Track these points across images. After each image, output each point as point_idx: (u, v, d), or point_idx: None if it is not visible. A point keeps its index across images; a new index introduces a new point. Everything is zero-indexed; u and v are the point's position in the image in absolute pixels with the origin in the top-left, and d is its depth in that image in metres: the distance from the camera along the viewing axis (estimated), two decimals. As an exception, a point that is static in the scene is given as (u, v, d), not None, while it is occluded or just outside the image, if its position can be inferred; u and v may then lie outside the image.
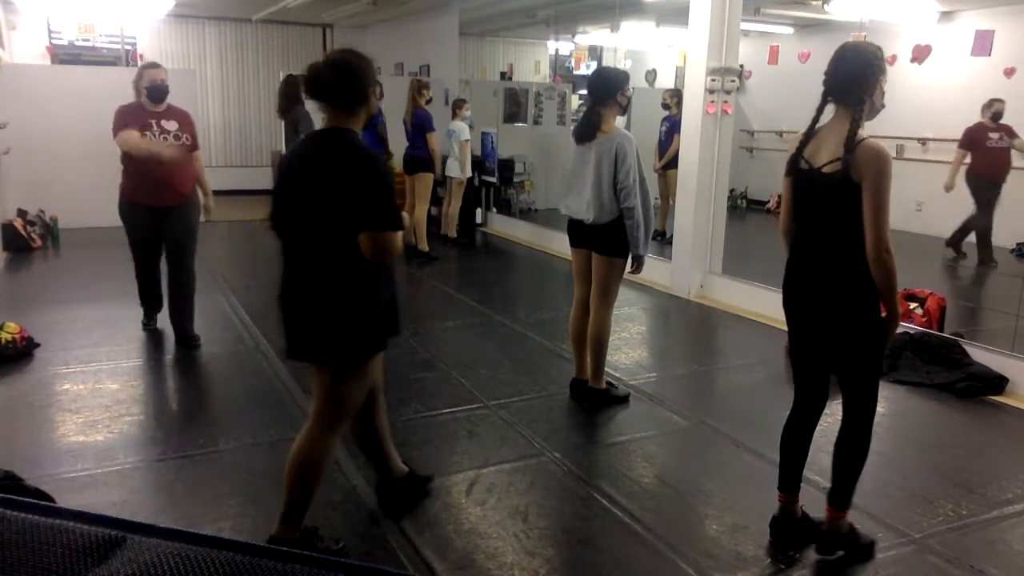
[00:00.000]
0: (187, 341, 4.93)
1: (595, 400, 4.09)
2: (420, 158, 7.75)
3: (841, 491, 2.72)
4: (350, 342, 2.46)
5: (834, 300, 2.57)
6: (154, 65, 4.86)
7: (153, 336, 5.16)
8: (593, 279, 3.97)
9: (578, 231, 3.98)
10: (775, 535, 2.83)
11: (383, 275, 2.47)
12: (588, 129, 3.88)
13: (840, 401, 2.72)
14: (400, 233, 2.38)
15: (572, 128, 9.72)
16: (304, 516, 2.60)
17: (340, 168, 2.34)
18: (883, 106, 2.58)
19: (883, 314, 2.57)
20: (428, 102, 7.76)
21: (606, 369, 4.17)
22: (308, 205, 2.39)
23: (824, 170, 2.50)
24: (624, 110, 3.95)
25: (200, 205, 4.97)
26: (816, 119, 2.61)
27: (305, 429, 2.59)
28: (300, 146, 2.56)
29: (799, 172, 2.61)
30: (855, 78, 2.50)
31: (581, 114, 10.30)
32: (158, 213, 4.73)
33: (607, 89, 3.85)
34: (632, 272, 3.97)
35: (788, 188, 2.69)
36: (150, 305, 5.23)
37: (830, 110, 2.60)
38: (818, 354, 2.73)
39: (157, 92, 4.73)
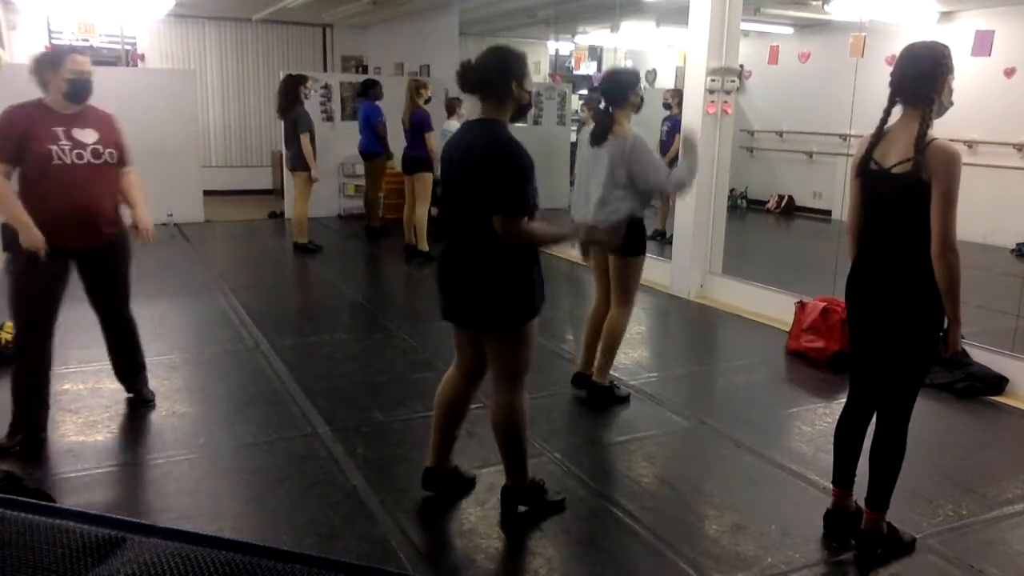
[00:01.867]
0: (141, 402, 3.93)
1: (596, 395, 4.11)
2: (419, 158, 7.74)
3: (878, 492, 2.72)
4: (506, 309, 2.71)
5: (897, 300, 2.58)
6: (78, 50, 3.60)
7: (153, 336, 5.16)
8: (611, 280, 4.02)
9: None
10: (828, 528, 2.87)
11: (526, 251, 2.70)
12: (602, 131, 3.89)
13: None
14: (524, 219, 2.60)
15: (577, 128, 9.82)
16: (526, 466, 2.93)
17: (483, 156, 2.62)
18: (952, 103, 2.57)
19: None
20: (427, 102, 7.76)
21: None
22: (463, 188, 2.69)
23: (894, 171, 2.50)
24: (638, 109, 3.95)
25: (128, 237, 3.78)
26: (885, 120, 2.60)
27: (493, 399, 2.89)
28: (458, 133, 2.83)
29: (869, 173, 2.60)
30: (924, 78, 2.49)
31: (581, 114, 10.34)
32: (75, 257, 3.54)
33: (619, 90, 3.86)
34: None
35: (856, 189, 2.70)
36: (33, 416, 3.44)
37: (897, 111, 2.59)
38: (876, 352, 2.72)
39: (80, 89, 3.44)
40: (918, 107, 2.50)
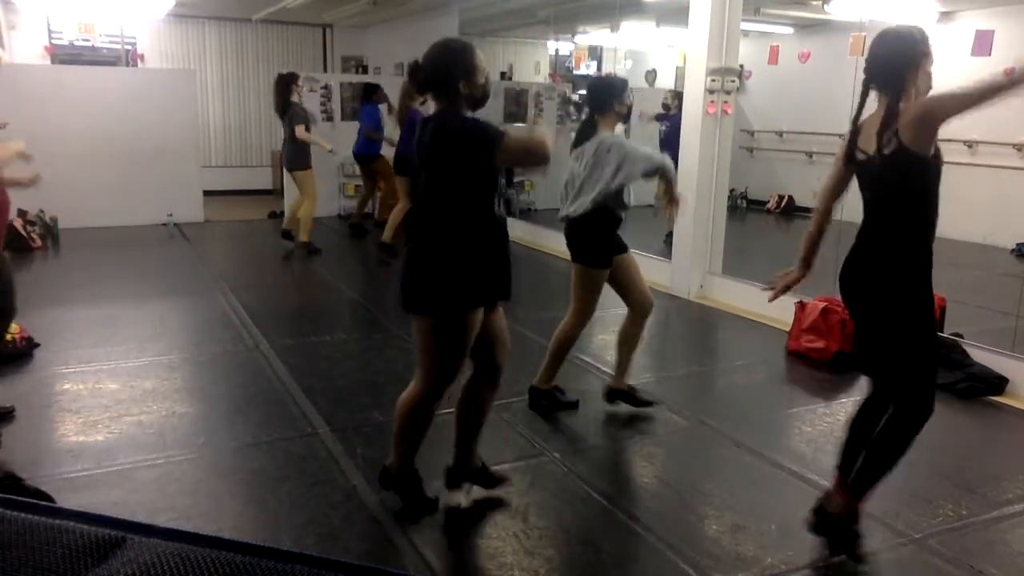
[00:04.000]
0: None
1: (535, 399, 3.98)
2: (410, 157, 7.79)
3: (862, 477, 2.70)
4: (433, 290, 2.67)
5: (886, 284, 2.56)
6: None
7: (153, 336, 5.16)
8: (571, 289, 3.86)
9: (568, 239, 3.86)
10: (816, 515, 2.83)
11: (485, 237, 2.71)
12: (584, 135, 3.80)
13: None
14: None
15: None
16: (411, 457, 2.96)
17: (445, 136, 2.67)
18: (931, 88, 2.54)
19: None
20: (423, 103, 7.81)
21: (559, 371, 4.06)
22: (427, 177, 2.73)
23: (885, 151, 2.47)
24: (624, 119, 3.84)
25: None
26: (860, 110, 2.60)
27: (412, 384, 2.85)
28: (417, 132, 2.83)
29: (860, 165, 2.60)
30: (896, 64, 2.47)
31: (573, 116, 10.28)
32: None
33: (604, 98, 3.76)
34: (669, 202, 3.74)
35: (838, 171, 2.72)
36: None
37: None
38: (877, 339, 2.70)
39: None
40: (891, 94, 2.48)
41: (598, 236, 3.72)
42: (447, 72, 2.65)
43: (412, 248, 2.74)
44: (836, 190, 2.79)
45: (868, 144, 2.54)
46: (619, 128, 3.93)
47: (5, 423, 3.67)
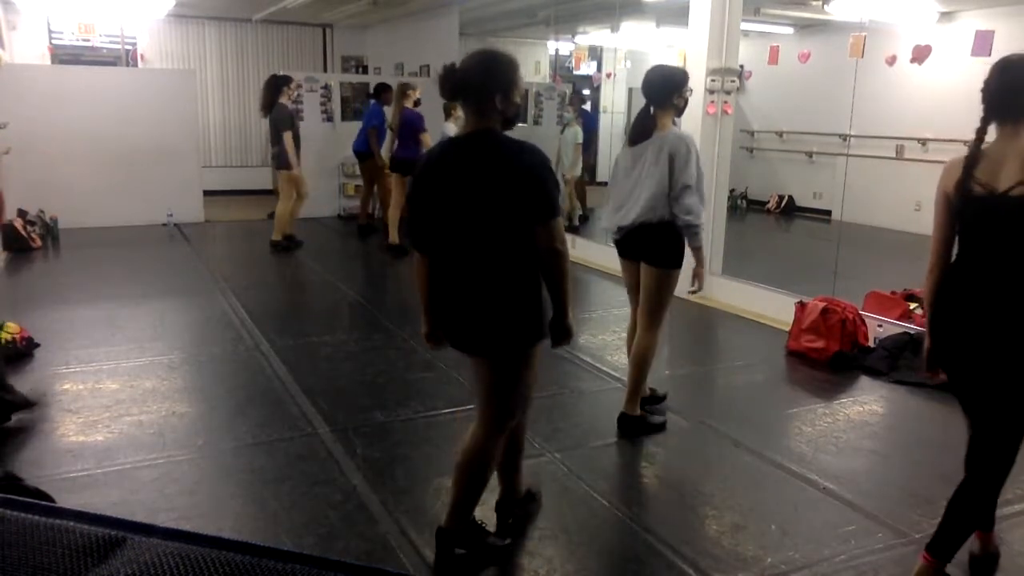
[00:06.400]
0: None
1: (628, 427, 3.75)
2: (408, 159, 7.85)
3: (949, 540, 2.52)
4: (515, 330, 2.50)
5: (1011, 330, 2.37)
6: None
7: (153, 336, 5.16)
8: (641, 295, 3.69)
9: (627, 240, 3.69)
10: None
11: (533, 268, 2.49)
12: (643, 131, 3.63)
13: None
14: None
15: (561, 129, 9.83)
16: (472, 511, 2.70)
17: (504, 170, 2.41)
18: None
19: None
20: (416, 104, 7.86)
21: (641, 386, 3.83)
22: (470, 211, 2.45)
23: (1011, 193, 2.32)
24: (680, 112, 3.70)
25: None
26: (980, 140, 2.43)
27: (471, 435, 2.62)
28: (440, 153, 2.60)
29: (975, 199, 2.40)
30: None
31: (566, 116, 10.27)
32: None
33: (664, 91, 3.60)
34: (694, 290, 3.70)
35: (946, 213, 2.46)
36: None
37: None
38: (987, 393, 2.47)
39: None
40: (1020, 122, 2.36)
41: (675, 235, 3.58)
42: (485, 82, 2.40)
43: (472, 289, 2.47)
44: (952, 238, 2.50)
45: (994, 179, 2.36)
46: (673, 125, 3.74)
47: (16, 418, 3.67)
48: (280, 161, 7.99)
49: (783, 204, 11.62)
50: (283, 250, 8.12)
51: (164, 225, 9.32)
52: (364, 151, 8.81)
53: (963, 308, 2.45)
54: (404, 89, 7.88)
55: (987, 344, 2.41)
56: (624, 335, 4.13)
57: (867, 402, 4.34)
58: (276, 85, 7.90)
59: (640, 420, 3.78)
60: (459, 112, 8.35)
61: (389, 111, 8.66)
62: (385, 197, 8.84)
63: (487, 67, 2.45)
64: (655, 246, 3.60)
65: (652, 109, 3.64)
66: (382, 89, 8.83)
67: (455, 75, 2.45)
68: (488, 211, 2.40)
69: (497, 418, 2.58)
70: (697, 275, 3.70)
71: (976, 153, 2.40)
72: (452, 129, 8.30)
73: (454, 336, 2.60)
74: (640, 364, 3.71)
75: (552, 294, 2.48)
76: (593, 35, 11.82)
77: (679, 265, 3.65)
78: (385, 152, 8.49)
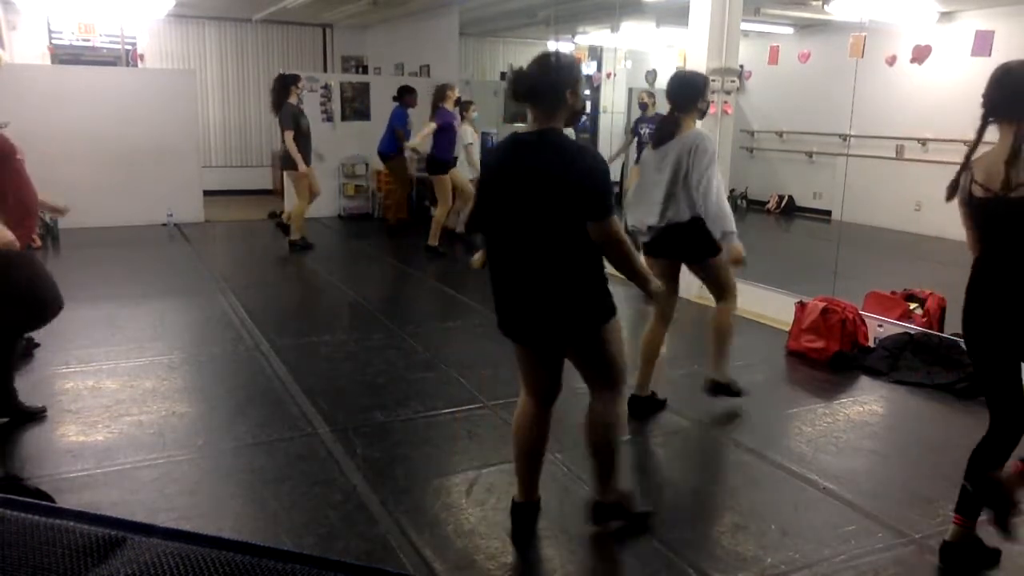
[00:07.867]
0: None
1: (718, 391, 4.12)
2: (437, 160, 7.94)
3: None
4: (593, 311, 2.67)
5: None
6: None
7: (153, 336, 5.16)
8: (708, 285, 4.03)
9: (658, 241, 3.80)
10: (945, 560, 2.74)
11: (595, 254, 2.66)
12: (666, 134, 3.76)
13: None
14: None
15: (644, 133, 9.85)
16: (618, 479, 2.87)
17: (568, 167, 2.55)
18: None
19: None
20: (457, 104, 7.99)
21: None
22: (535, 204, 2.61)
23: (1012, 196, 2.37)
24: (703, 115, 3.85)
25: None
26: (977, 144, 2.49)
27: (592, 411, 2.82)
28: (511, 148, 2.71)
29: (977, 202, 2.47)
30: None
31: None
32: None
33: (688, 96, 3.73)
34: (734, 259, 3.80)
35: (968, 216, 2.57)
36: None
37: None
38: (1013, 381, 2.56)
39: None
40: (1012, 124, 2.40)
41: (705, 228, 3.70)
42: (558, 80, 2.53)
43: (541, 276, 2.61)
44: (977, 235, 2.60)
45: (991, 180, 2.42)
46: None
47: (22, 425, 3.67)
48: (285, 162, 7.99)
49: (783, 204, 11.62)
50: (301, 250, 8.11)
51: (164, 225, 9.32)
52: (389, 152, 8.82)
53: (983, 303, 2.55)
54: (444, 91, 7.92)
55: (1002, 335, 2.50)
56: (625, 334, 4.12)
57: (867, 402, 4.34)
58: (284, 84, 7.91)
59: (727, 387, 4.12)
60: (472, 113, 8.52)
61: (413, 113, 8.75)
62: (389, 197, 8.90)
63: (558, 66, 2.58)
64: (691, 245, 3.77)
65: (677, 115, 3.76)
66: (405, 92, 8.85)
67: (528, 78, 2.58)
68: (549, 206, 2.54)
69: (608, 386, 2.78)
70: (726, 235, 3.76)
71: (971, 158, 2.48)
72: (469, 132, 8.36)
73: (524, 334, 2.74)
74: (725, 333, 4.10)
75: (625, 275, 2.67)
76: (593, 35, 11.82)
77: (720, 249, 3.78)
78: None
